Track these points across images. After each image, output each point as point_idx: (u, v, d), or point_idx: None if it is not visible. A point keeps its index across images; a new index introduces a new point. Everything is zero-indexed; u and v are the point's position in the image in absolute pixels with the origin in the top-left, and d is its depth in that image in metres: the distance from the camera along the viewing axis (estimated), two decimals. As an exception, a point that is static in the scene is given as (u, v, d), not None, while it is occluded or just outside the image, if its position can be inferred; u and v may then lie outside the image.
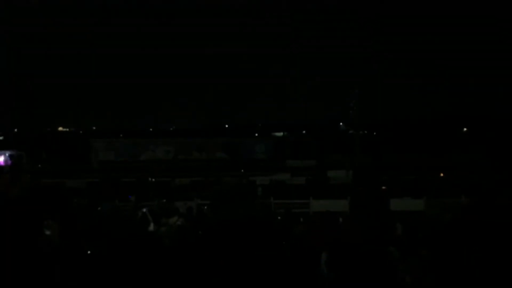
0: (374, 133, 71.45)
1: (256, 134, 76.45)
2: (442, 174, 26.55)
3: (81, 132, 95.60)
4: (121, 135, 73.34)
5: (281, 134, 77.07)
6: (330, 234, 6.56)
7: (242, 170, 32.39)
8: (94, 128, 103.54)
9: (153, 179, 26.67)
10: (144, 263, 4.56)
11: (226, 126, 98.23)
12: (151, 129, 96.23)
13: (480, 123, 67.77)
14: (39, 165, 40.54)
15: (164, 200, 15.77)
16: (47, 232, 5.47)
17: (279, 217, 11.49)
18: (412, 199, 19.27)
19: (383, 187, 19.46)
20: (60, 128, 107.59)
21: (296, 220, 10.77)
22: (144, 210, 8.32)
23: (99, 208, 8.85)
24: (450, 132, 64.05)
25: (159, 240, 6.01)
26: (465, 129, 68.95)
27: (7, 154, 48.24)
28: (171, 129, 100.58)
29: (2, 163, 46.90)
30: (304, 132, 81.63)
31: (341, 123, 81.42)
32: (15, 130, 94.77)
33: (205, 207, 16.58)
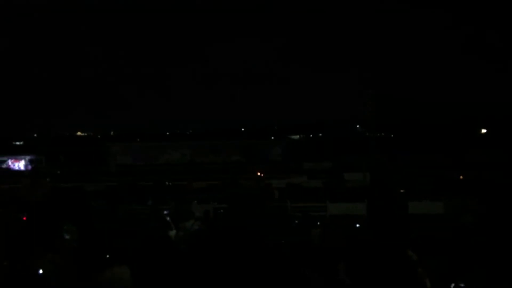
0: (392, 135, 70.83)
1: (272, 137, 76.33)
2: (462, 177, 26.13)
3: (99, 136, 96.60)
4: (138, 139, 73.92)
5: (297, 136, 76.92)
6: (348, 238, 6.51)
7: (259, 173, 32.31)
8: (111, 132, 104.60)
9: (170, 183, 26.78)
10: (163, 267, 4.58)
11: (242, 129, 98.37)
12: (167, 133, 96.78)
13: (497, 123, 66.74)
14: (58, 170, 41.02)
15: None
16: (67, 236, 5.53)
17: (296, 221, 11.45)
18: (431, 202, 18.98)
19: (401, 190, 19.25)
20: (79, 133, 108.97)
21: (313, 223, 10.71)
22: (165, 213, 8.37)
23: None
24: (468, 132, 63.22)
25: (177, 245, 6.04)
26: (484, 130, 67.92)
27: (27, 159, 49.01)
28: (188, 132, 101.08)
29: (22, 168, 47.65)
30: (320, 134, 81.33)
31: (357, 125, 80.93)
32: (35, 135, 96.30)
33: (221, 210, 16.61)
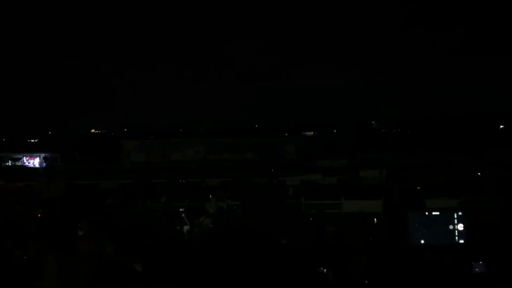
0: (408, 131, 70.07)
1: (286, 134, 76.03)
2: (479, 173, 25.71)
3: (113, 133, 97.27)
4: (151, 137, 74.27)
5: (311, 133, 76.59)
6: (364, 236, 6.39)
7: (273, 170, 32.18)
8: (125, 129, 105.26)
9: (184, 180, 26.79)
10: (176, 264, 4.51)
11: (256, 126, 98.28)
12: (181, 130, 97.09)
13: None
14: (73, 167, 41.38)
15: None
16: (81, 233, 5.50)
17: (310, 218, 11.31)
18: (448, 199, 18.69)
19: (418, 187, 18.98)
20: (93, 130, 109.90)
21: (328, 221, 10.58)
22: (181, 210, 8.35)
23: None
24: (486, 129, 62.33)
25: (190, 242, 5.97)
26: (501, 126, 66.93)
27: (41, 156, 49.58)
28: (201, 129, 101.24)
29: (37, 165, 48.21)
30: (335, 131, 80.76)
31: (373, 122, 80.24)
32: (49, 132, 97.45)
33: (235, 207, 16.57)
